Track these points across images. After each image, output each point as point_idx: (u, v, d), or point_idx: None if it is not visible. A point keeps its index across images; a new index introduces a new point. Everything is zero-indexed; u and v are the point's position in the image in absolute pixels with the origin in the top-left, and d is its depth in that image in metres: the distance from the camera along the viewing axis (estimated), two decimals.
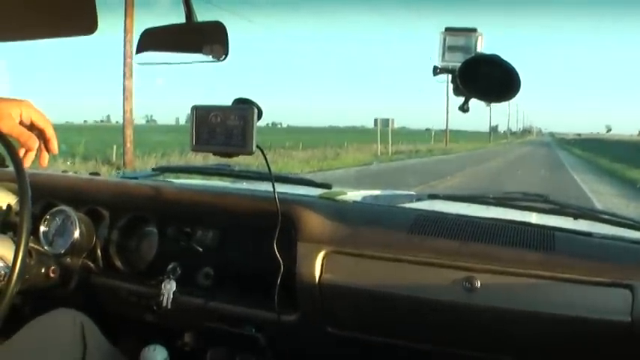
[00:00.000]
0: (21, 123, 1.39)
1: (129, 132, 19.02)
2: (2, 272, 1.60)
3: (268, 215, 1.74)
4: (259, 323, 1.82)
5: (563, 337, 1.54)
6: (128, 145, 19.04)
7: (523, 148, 63.54)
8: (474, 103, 1.49)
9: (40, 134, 1.43)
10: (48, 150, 1.46)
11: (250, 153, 1.62)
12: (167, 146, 26.81)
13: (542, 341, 1.57)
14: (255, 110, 1.62)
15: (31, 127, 1.41)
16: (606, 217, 1.86)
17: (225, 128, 1.62)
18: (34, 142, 1.41)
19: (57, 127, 1.49)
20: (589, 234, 1.67)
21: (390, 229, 1.71)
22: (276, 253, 1.72)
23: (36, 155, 1.45)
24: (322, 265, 1.68)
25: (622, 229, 1.77)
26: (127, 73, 18.65)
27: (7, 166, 1.51)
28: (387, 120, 36.58)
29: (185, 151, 24.53)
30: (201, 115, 1.66)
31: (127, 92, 18.78)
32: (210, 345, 1.98)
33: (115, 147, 20.54)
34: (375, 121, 36.61)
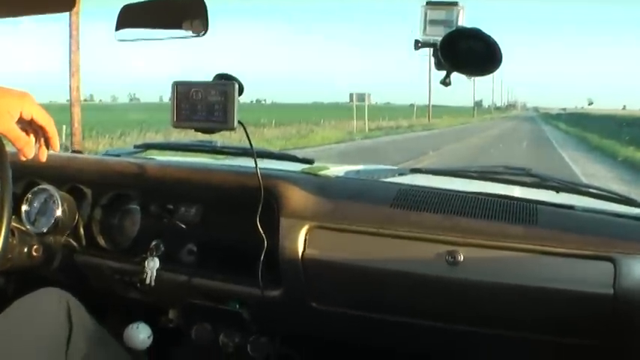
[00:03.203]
0: (20, 119, 1.36)
1: (76, 111, 17.70)
2: None
3: (251, 191, 1.74)
4: (243, 299, 1.82)
5: (546, 310, 1.55)
6: (76, 125, 17.67)
7: (507, 123, 63.37)
8: (457, 77, 1.49)
9: (40, 131, 1.41)
10: (48, 147, 1.44)
11: (232, 128, 1.62)
12: (136, 125, 26.45)
13: (525, 314, 1.58)
14: (237, 85, 1.61)
15: (31, 123, 1.39)
16: (588, 190, 1.87)
17: (206, 104, 1.62)
18: (30, 150, 1.39)
19: None
20: (571, 207, 1.68)
21: (372, 203, 1.71)
22: (259, 228, 1.72)
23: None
24: (305, 240, 1.68)
25: (604, 202, 1.78)
26: (73, 47, 17.42)
27: None
28: (363, 95, 35.65)
29: (143, 130, 24.36)
30: (182, 91, 1.65)
31: (74, 67, 17.50)
32: (194, 321, 1.98)
33: (64, 127, 18.78)
34: (351, 95, 35.69)
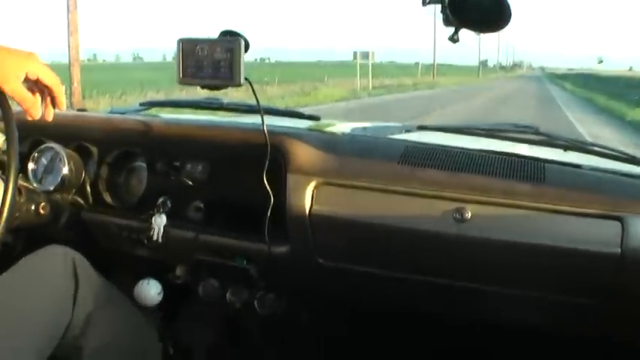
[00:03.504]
0: (26, 79, 1.35)
1: (76, 70, 17.75)
2: None
3: (257, 147, 1.74)
4: (250, 255, 1.83)
5: (553, 269, 1.55)
6: (75, 84, 17.72)
7: (512, 83, 63.13)
8: (463, 35, 1.48)
9: (47, 90, 1.41)
10: (54, 106, 1.44)
11: (238, 85, 1.61)
12: (137, 84, 26.33)
13: (531, 272, 1.58)
14: (242, 42, 1.60)
15: (37, 83, 1.38)
16: (596, 149, 1.86)
17: (212, 61, 1.61)
18: (37, 111, 1.40)
19: None
20: (579, 166, 1.67)
21: (379, 160, 1.70)
22: (266, 185, 1.72)
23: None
24: (312, 197, 1.68)
25: (612, 161, 1.78)
26: (70, 6, 17.38)
27: None
28: (367, 52, 35.18)
29: (144, 90, 24.20)
30: (188, 48, 1.64)
31: (72, 26, 17.54)
32: (201, 278, 1.99)
33: (63, 87, 19.31)
34: (354, 53, 35.26)
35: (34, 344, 1.53)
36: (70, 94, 17.30)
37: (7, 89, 1.32)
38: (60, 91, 1.42)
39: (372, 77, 36.03)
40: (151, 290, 1.96)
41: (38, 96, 1.40)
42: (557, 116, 21.03)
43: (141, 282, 1.96)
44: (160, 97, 18.30)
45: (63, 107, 1.47)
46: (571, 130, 16.27)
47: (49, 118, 1.44)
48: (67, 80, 17.07)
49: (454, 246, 1.59)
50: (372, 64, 35.37)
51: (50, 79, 1.40)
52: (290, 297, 1.96)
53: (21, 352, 1.50)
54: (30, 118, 1.40)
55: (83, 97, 18.36)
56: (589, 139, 13.45)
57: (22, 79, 1.34)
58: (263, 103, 1.78)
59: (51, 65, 1.45)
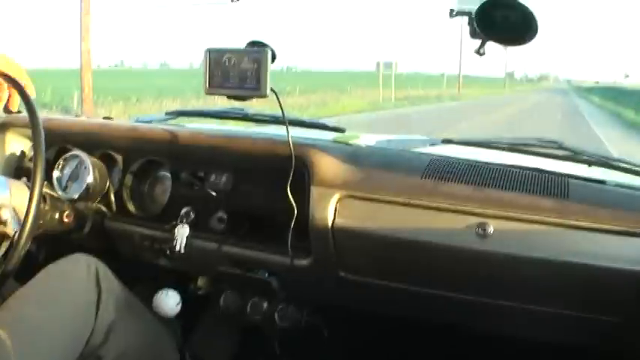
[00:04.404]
0: None
1: (87, 76, 17.19)
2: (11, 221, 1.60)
3: (282, 159, 1.74)
4: (272, 268, 1.83)
5: (575, 285, 1.54)
6: (87, 91, 17.26)
7: (538, 96, 62.71)
8: (490, 47, 1.48)
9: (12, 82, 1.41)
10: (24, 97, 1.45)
11: (264, 96, 1.62)
12: (157, 91, 26.39)
13: (553, 288, 1.57)
14: (270, 52, 1.61)
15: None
16: (621, 164, 1.84)
17: (238, 71, 1.62)
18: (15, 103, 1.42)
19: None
20: (603, 182, 1.66)
21: (403, 173, 1.70)
22: (290, 197, 1.71)
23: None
24: (335, 210, 1.68)
25: (637, 177, 1.76)
26: (84, 10, 16.93)
27: (21, 112, 1.50)
28: (390, 63, 34.67)
29: (159, 98, 24.21)
30: (215, 57, 1.65)
31: (85, 31, 17.07)
32: (222, 289, 1.99)
33: (75, 94, 18.75)
34: (377, 64, 34.71)
35: (58, 353, 1.54)
36: (81, 101, 17.27)
37: None
38: (26, 78, 1.43)
39: (396, 88, 35.67)
40: (169, 301, 1.96)
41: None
42: (585, 134, 20.18)
43: (160, 292, 1.97)
44: (176, 105, 18.22)
45: (33, 94, 1.47)
46: (600, 146, 15.60)
47: (15, 107, 1.46)
48: (79, 86, 17.12)
49: (476, 261, 1.58)
50: (397, 75, 35.00)
51: (22, 77, 1.42)
52: (311, 310, 1.96)
53: None
54: None
55: (95, 104, 18.17)
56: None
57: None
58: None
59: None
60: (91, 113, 15.28)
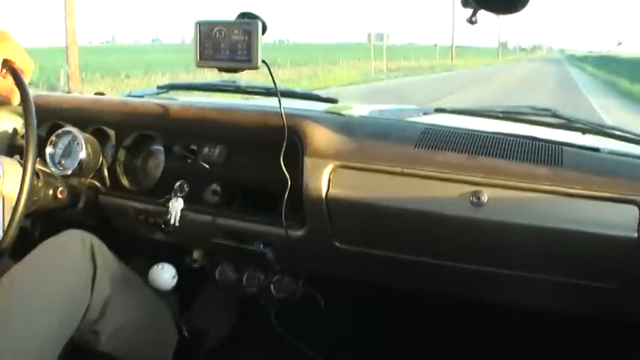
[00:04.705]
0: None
1: (73, 53, 16.99)
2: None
3: (275, 130, 1.74)
4: (267, 239, 1.83)
5: (570, 253, 1.54)
6: (73, 68, 17.05)
7: (531, 65, 62.55)
8: (483, 16, 1.47)
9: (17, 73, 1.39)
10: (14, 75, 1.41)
11: (256, 67, 1.61)
12: (146, 66, 26.20)
13: (547, 256, 1.57)
14: (260, 24, 1.59)
15: (7, 63, 1.37)
16: (615, 132, 1.84)
17: (229, 43, 1.61)
18: (17, 98, 1.38)
19: None
20: (597, 149, 1.65)
21: (397, 142, 1.69)
22: (283, 168, 1.71)
23: None
24: (329, 180, 1.67)
25: (630, 144, 1.76)
26: None
27: (5, 78, 1.49)
28: (382, 34, 34.48)
29: (148, 73, 24.08)
30: (205, 30, 1.64)
31: (69, 8, 16.70)
32: (218, 262, 2.00)
33: (62, 71, 18.56)
34: (369, 35, 34.52)
35: (54, 329, 1.54)
36: (67, 78, 17.07)
37: None
38: (30, 75, 1.41)
39: (389, 59, 35.56)
40: (165, 274, 1.96)
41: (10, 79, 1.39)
42: (578, 103, 19.78)
43: (155, 266, 1.97)
44: (166, 80, 18.19)
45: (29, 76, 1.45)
46: (594, 115, 15.13)
47: (16, 101, 1.42)
48: (66, 64, 16.89)
49: (471, 229, 1.59)
50: (389, 46, 34.93)
51: (25, 64, 1.39)
52: (306, 280, 1.96)
53: (41, 337, 1.51)
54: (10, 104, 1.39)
55: (82, 80, 17.98)
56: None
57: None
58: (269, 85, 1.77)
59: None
60: (78, 90, 14.97)
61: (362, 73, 32.32)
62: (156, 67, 25.86)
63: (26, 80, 1.41)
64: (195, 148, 1.92)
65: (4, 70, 1.38)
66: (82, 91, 2.47)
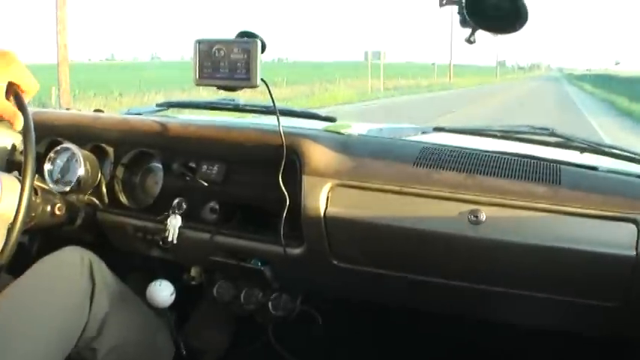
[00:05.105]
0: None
1: (64, 70, 16.77)
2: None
3: (273, 148, 1.74)
4: (265, 257, 1.83)
5: (568, 271, 1.54)
6: (64, 85, 16.84)
7: (530, 84, 62.65)
8: (481, 36, 1.47)
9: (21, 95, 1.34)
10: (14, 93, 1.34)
11: (255, 86, 1.62)
12: (143, 85, 26.18)
13: (546, 274, 1.57)
14: (259, 43, 1.60)
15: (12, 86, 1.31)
16: (613, 151, 1.84)
17: (228, 61, 1.61)
18: (20, 123, 1.31)
19: None
20: (595, 168, 1.66)
21: (395, 161, 1.70)
22: (282, 186, 1.71)
23: None
24: (327, 198, 1.67)
25: (628, 163, 1.76)
26: (59, 3, 16.33)
27: (10, 102, 1.48)
28: (379, 52, 34.58)
29: (141, 92, 24.01)
30: (204, 48, 1.64)
31: (61, 25, 16.45)
32: (216, 279, 2.00)
33: (53, 89, 17.83)
34: (365, 54, 34.47)
35: (52, 346, 1.54)
36: (58, 96, 16.81)
37: None
38: (32, 95, 1.36)
39: (387, 78, 35.49)
40: (162, 291, 1.96)
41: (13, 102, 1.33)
42: (578, 122, 19.42)
43: (153, 283, 1.97)
44: (160, 98, 18.12)
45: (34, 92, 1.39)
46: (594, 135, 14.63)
47: (19, 127, 1.33)
48: (56, 81, 16.64)
49: (469, 248, 1.59)
50: (387, 65, 34.89)
51: (29, 86, 1.34)
52: (304, 298, 1.96)
53: (39, 353, 1.51)
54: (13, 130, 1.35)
55: (76, 99, 17.83)
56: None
57: (5, 88, 1.29)
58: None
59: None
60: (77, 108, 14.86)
61: (358, 92, 32.24)
62: (152, 85, 25.78)
63: (28, 99, 1.39)
64: (193, 165, 1.92)
65: (10, 95, 1.34)
66: (101, 109, 2.44)
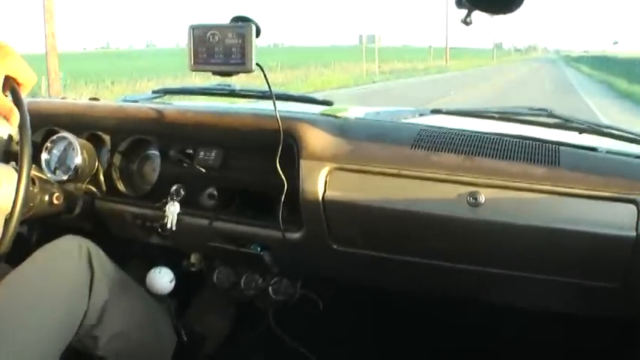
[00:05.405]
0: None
1: (53, 60, 16.75)
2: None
3: (270, 133, 1.73)
4: (264, 242, 1.83)
5: (568, 252, 1.54)
6: (53, 75, 16.76)
7: (527, 66, 62.56)
8: (478, 17, 1.46)
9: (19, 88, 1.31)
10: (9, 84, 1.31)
11: (250, 71, 1.60)
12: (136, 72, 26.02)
13: (546, 256, 1.57)
14: (254, 27, 1.59)
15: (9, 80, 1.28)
16: (611, 131, 1.84)
17: (223, 47, 1.60)
18: (17, 119, 1.29)
19: None
20: (594, 148, 1.65)
21: (392, 144, 1.69)
22: (279, 171, 1.71)
23: None
24: (325, 182, 1.67)
25: (627, 143, 1.76)
26: None
27: (7, 96, 1.47)
28: (373, 36, 34.63)
29: (133, 79, 23.90)
30: (199, 34, 1.63)
31: (48, 13, 16.50)
32: (216, 265, 2.00)
33: (43, 78, 17.19)
34: (360, 37, 34.44)
35: (52, 335, 1.54)
36: (47, 86, 16.58)
37: None
38: (30, 88, 1.33)
39: (382, 62, 35.40)
40: (162, 278, 1.96)
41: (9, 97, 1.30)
42: (577, 106, 18.42)
43: (152, 270, 1.97)
44: (152, 85, 17.96)
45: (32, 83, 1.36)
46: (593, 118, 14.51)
47: (15, 123, 1.31)
48: (46, 71, 16.41)
49: (468, 230, 1.58)
50: (383, 48, 34.85)
51: (27, 79, 1.31)
52: (304, 283, 1.96)
53: (40, 342, 1.51)
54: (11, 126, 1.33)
55: (66, 88, 17.59)
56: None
57: (1, 82, 1.26)
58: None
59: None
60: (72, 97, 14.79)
61: (353, 76, 32.14)
62: (145, 73, 25.70)
63: (25, 93, 1.37)
64: (191, 152, 1.92)
65: (6, 89, 1.32)
66: (97, 97, 2.42)
